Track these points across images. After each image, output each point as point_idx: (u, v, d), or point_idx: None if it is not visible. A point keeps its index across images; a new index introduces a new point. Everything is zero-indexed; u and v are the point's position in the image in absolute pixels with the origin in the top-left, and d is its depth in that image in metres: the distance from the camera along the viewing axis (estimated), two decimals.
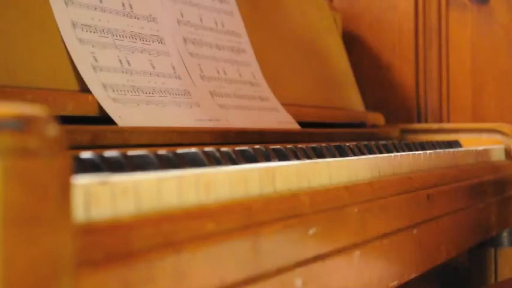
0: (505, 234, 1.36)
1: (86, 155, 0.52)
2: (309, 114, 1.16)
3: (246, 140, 0.90)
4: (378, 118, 1.42)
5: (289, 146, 0.77)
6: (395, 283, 0.75)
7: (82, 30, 0.80)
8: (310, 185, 0.65)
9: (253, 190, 0.57)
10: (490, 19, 1.63)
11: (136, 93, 0.83)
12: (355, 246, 0.66)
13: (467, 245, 1.06)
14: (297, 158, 0.75)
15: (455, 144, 1.29)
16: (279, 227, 0.54)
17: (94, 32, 0.82)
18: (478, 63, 1.56)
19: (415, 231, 0.80)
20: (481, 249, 1.37)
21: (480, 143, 1.32)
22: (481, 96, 1.59)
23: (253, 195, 0.56)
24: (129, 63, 0.85)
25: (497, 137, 1.34)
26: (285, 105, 1.09)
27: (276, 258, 0.53)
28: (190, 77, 0.95)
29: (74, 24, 0.79)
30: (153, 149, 0.60)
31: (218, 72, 1.01)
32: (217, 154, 0.64)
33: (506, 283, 1.23)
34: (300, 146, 0.78)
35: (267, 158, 0.71)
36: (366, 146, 0.89)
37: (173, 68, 0.92)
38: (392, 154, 0.88)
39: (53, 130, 0.34)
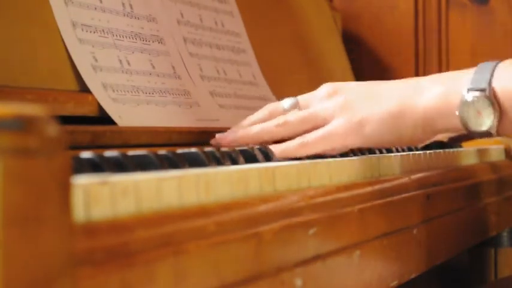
0: (505, 234, 1.36)
1: (86, 155, 0.52)
2: None
3: None
4: None
5: None
6: (395, 283, 0.75)
7: (82, 30, 0.80)
8: (310, 185, 0.65)
9: (253, 190, 0.57)
10: (490, 19, 1.63)
11: (136, 93, 0.83)
12: (355, 246, 0.66)
13: (467, 244, 1.06)
14: (297, 157, 0.75)
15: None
16: (279, 226, 0.54)
17: (94, 32, 0.82)
18: (478, 63, 1.56)
19: (415, 231, 0.80)
20: (481, 249, 1.37)
21: (480, 143, 1.31)
22: None
23: (253, 195, 0.56)
24: (129, 63, 0.85)
25: (497, 136, 1.34)
26: None
27: (276, 258, 0.53)
28: (190, 77, 0.95)
29: (74, 24, 0.79)
30: (153, 149, 0.60)
31: (218, 72, 1.01)
32: (217, 154, 0.64)
33: (506, 281, 1.23)
34: None
35: (267, 158, 0.71)
36: None
37: (173, 68, 0.92)
38: (392, 154, 0.88)
39: (53, 130, 0.34)
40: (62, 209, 0.34)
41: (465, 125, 0.75)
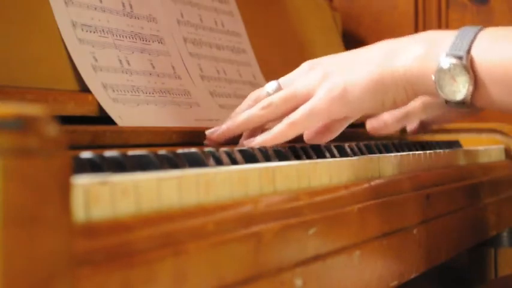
0: (505, 234, 1.36)
1: (86, 155, 0.52)
2: None
3: None
4: None
5: (289, 145, 0.77)
6: (395, 283, 0.75)
7: (82, 30, 0.80)
8: (310, 185, 0.65)
9: (253, 190, 0.57)
10: (490, 19, 1.63)
11: (136, 93, 0.83)
12: (355, 246, 0.66)
13: (467, 245, 1.06)
14: (297, 157, 0.75)
15: (455, 144, 1.29)
16: (279, 226, 0.54)
17: (94, 32, 0.82)
18: None
19: (415, 231, 0.80)
20: (481, 249, 1.37)
21: (480, 143, 1.32)
22: None
23: (253, 195, 0.56)
24: (129, 63, 0.85)
25: (497, 137, 1.34)
26: None
27: (276, 258, 0.53)
28: (190, 77, 0.95)
29: (74, 24, 0.79)
30: (153, 149, 0.60)
31: (218, 72, 1.01)
32: (217, 154, 0.64)
33: (506, 280, 1.23)
34: (299, 145, 0.78)
35: (267, 158, 0.71)
36: (366, 146, 0.89)
37: (173, 68, 0.92)
38: (392, 154, 0.88)
39: (53, 130, 0.34)
40: (62, 209, 0.34)
41: (440, 92, 0.73)
